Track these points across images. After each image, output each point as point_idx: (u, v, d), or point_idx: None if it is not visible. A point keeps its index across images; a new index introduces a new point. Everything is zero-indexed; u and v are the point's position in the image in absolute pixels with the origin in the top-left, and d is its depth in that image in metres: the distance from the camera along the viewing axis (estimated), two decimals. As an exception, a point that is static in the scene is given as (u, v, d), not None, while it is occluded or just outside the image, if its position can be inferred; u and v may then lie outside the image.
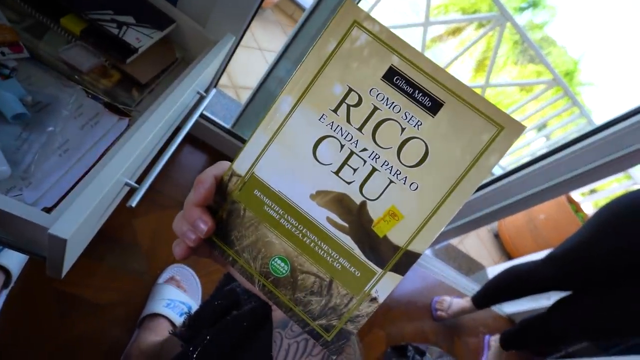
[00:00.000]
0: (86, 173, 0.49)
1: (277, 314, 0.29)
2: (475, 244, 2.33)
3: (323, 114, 0.24)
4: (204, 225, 0.24)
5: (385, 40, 0.22)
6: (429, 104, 0.22)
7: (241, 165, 0.26)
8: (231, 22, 0.69)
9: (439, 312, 1.27)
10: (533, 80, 2.79)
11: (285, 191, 0.25)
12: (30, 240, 0.41)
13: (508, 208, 1.11)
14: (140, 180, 0.52)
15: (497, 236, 2.63)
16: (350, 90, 0.23)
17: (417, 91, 0.22)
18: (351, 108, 0.23)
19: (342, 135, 0.24)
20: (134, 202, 0.47)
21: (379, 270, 0.24)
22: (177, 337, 0.44)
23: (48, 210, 0.43)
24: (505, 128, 0.21)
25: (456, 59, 2.25)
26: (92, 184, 0.37)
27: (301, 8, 2.19)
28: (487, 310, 1.48)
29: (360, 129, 0.23)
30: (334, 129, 0.24)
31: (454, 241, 2.09)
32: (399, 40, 0.22)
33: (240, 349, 0.32)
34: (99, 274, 0.69)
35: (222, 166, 0.26)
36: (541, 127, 3.00)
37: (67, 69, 0.54)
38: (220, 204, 0.26)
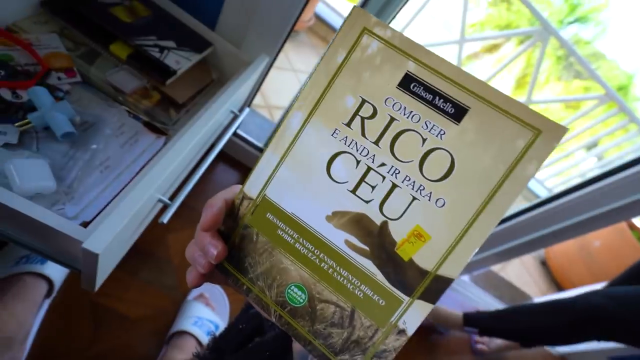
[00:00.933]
0: (123, 189, 0.51)
1: (297, 346, 0.27)
2: (519, 271, 2.15)
3: (336, 129, 0.22)
4: (214, 249, 0.23)
5: (399, 45, 0.21)
6: (451, 110, 0.20)
7: (252, 187, 0.25)
8: (265, 44, 0.71)
9: (479, 346, 1.16)
10: (583, 96, 2.59)
11: (299, 213, 0.23)
12: (68, 253, 0.43)
13: (555, 235, 1.01)
14: (173, 197, 0.53)
15: (544, 264, 2.42)
16: (364, 101, 0.22)
17: (437, 97, 0.20)
18: (366, 120, 0.22)
19: (357, 151, 0.22)
20: (165, 218, 0.48)
21: (405, 298, 0.22)
22: (201, 359, 0.43)
23: (86, 224, 0.44)
24: (543, 132, 0.18)
25: (494, 76, 2.18)
26: (125, 201, 0.38)
27: (334, 30, 2.25)
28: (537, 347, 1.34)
29: (376, 143, 0.22)
30: (348, 144, 0.22)
31: (495, 268, 1.94)
32: (414, 44, 0.20)
33: None
34: (132, 287, 0.71)
35: (233, 190, 0.25)
36: (591, 145, 2.78)
37: (112, 91, 0.57)
38: (233, 229, 0.25)
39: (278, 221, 0.24)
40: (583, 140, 2.64)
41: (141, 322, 0.68)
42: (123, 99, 0.58)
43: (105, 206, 0.48)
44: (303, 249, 0.24)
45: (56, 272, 0.61)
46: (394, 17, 0.74)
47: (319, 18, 2.14)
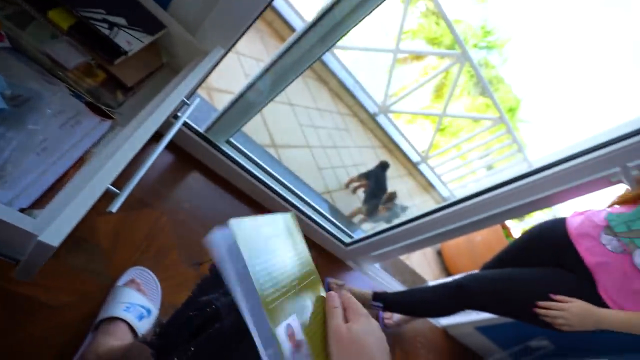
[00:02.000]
0: (65, 174, 0.48)
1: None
2: (420, 260, 2.50)
3: None
4: None
5: None
6: None
7: None
8: (222, 35, 0.71)
9: (386, 320, 1.38)
10: (482, 116, 3.13)
11: None
12: (2, 242, 0.40)
13: (452, 232, 1.24)
14: (117, 184, 0.52)
15: (439, 253, 2.85)
16: None
17: None
18: None
19: None
20: (114, 207, 0.48)
21: None
22: (148, 345, 0.45)
23: (22, 211, 0.42)
24: None
25: (420, 86, 2.44)
26: (83, 192, 0.38)
27: (280, 16, 2.22)
28: (425, 321, 1.62)
29: None
30: None
31: (402, 257, 2.23)
32: None
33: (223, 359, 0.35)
34: (57, 274, 0.66)
35: None
36: (484, 156, 3.32)
37: (50, 63, 0.52)
38: None
39: None
40: (480, 151, 3.15)
41: (63, 309, 0.65)
42: (63, 75, 0.53)
43: (45, 192, 0.46)
44: None
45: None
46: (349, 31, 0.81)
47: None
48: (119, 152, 0.44)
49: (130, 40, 0.58)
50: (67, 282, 0.67)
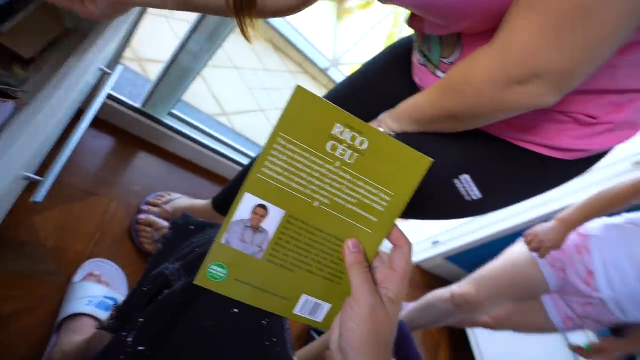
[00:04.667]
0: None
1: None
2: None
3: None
4: None
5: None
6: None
7: None
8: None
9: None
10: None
11: None
12: None
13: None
14: (41, 172, 0.46)
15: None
16: None
17: None
18: None
19: None
20: (39, 196, 0.42)
21: None
22: (106, 330, 0.43)
23: None
24: None
25: (367, 35, 2.37)
26: (-13, 182, 0.33)
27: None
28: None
29: None
30: None
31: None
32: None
33: (174, 324, 0.33)
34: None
35: None
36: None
37: None
38: None
39: None
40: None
41: (17, 317, 0.60)
42: None
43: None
44: None
45: None
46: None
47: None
48: (25, 136, 0.38)
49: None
50: (13, 290, 0.61)
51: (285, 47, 2.35)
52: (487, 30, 0.36)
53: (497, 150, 0.47)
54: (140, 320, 0.33)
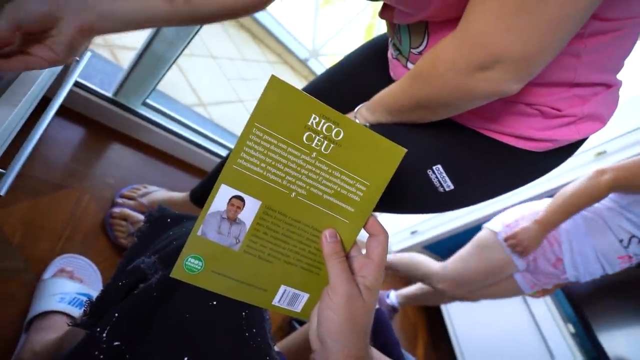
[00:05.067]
0: None
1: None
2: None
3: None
4: None
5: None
6: None
7: None
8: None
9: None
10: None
11: None
12: None
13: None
14: (3, 164, 0.44)
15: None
16: None
17: None
18: None
19: None
20: (2, 190, 0.40)
21: None
22: (80, 326, 0.41)
23: None
24: None
25: (346, 26, 2.36)
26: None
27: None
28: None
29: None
30: None
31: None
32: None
33: (151, 318, 0.33)
34: (-44, 281, 0.57)
35: None
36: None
37: None
38: None
39: None
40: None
41: (-19, 316, 0.57)
42: None
43: None
44: None
45: None
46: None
47: None
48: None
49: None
50: (-23, 287, 0.58)
51: (264, 36, 2.31)
52: (453, 18, 0.37)
53: (468, 140, 0.48)
54: (115, 315, 0.33)
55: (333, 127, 0.29)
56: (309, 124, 0.29)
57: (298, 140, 0.29)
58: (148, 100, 0.94)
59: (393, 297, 1.46)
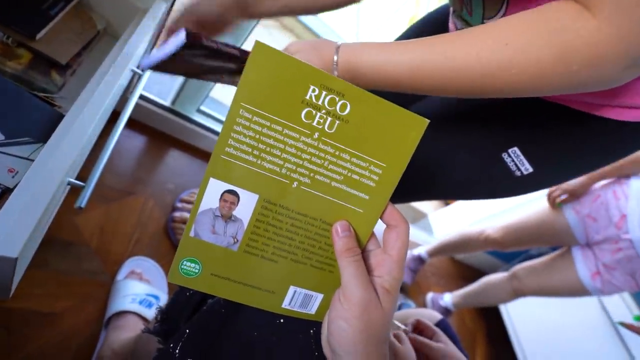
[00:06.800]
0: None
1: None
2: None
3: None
4: None
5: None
6: None
7: None
8: (160, -15, 0.61)
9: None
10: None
11: None
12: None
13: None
14: (81, 177, 0.46)
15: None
16: None
17: None
18: None
19: None
20: (82, 202, 0.43)
21: None
22: (152, 333, 0.43)
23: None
24: None
25: (388, 19, 2.28)
26: (33, 190, 0.33)
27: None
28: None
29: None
30: None
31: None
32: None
33: (220, 336, 0.32)
34: (47, 282, 0.63)
35: None
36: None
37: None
38: None
39: None
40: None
41: (68, 314, 0.62)
42: (-22, 62, 0.45)
43: (-3, 200, 0.40)
44: None
45: None
46: None
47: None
48: (66, 142, 0.38)
49: (48, 5, 0.49)
50: (63, 288, 0.64)
51: (308, 36, 2.31)
52: None
53: (548, 115, 0.41)
54: (187, 332, 0.33)
55: (337, 99, 0.24)
56: (307, 97, 0.24)
57: (295, 119, 0.24)
58: (202, 107, 0.98)
59: (448, 299, 1.39)
